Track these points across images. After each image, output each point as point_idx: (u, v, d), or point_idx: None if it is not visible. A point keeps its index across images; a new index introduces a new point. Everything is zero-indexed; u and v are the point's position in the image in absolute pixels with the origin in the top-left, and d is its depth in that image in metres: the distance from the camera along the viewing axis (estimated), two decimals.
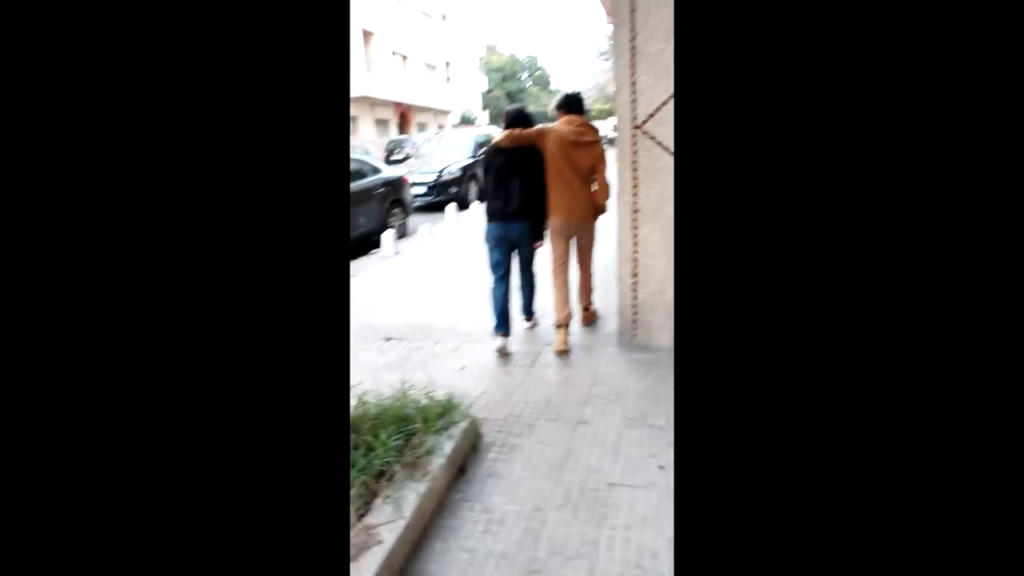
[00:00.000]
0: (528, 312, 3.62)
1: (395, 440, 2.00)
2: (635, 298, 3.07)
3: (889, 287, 0.69)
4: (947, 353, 0.66)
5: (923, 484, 0.66)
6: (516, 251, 3.32)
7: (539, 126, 3.29)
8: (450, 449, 2.07)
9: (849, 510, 0.68)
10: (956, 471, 0.65)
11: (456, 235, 7.25)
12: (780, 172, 0.72)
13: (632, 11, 2.73)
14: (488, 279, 3.40)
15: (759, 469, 0.72)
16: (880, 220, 0.69)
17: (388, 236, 6.26)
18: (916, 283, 0.68)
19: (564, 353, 3.21)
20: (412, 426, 2.12)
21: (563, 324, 3.24)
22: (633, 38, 2.75)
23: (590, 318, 3.65)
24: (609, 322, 3.64)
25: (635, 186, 2.92)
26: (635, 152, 2.87)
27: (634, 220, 2.96)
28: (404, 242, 6.93)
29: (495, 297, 3.32)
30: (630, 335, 3.14)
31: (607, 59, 52.01)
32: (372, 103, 21.68)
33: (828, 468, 0.69)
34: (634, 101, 2.82)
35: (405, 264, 5.76)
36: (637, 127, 2.84)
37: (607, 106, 28.98)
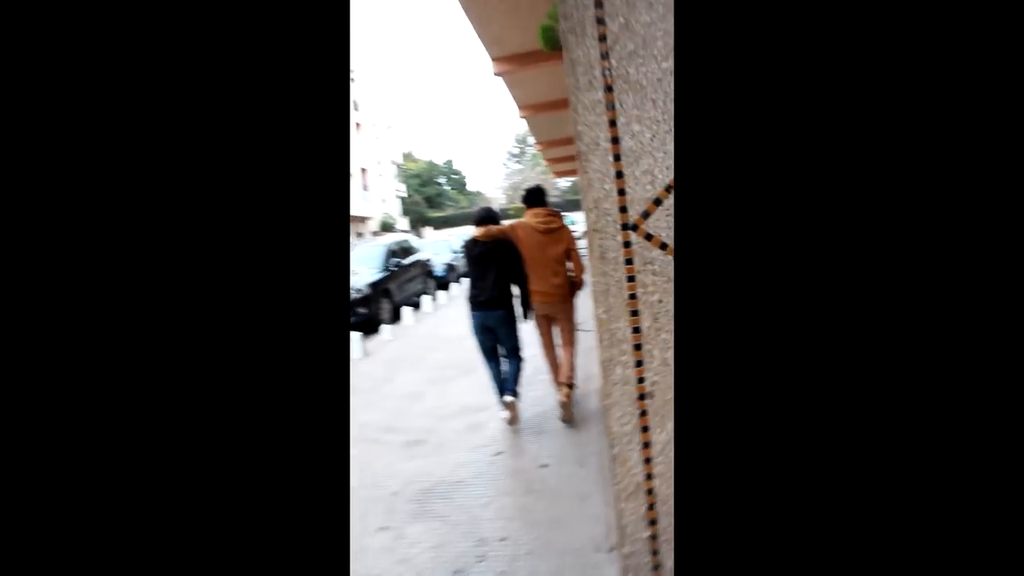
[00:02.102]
0: (512, 391, 3.77)
1: None
2: (653, 519, 1.47)
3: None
4: (950, 375, 0.67)
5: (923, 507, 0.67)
6: (496, 336, 3.68)
7: (508, 222, 3.77)
8: None
9: (844, 526, 0.70)
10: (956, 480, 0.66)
11: (364, 375, 5.48)
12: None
13: (597, 4, 1.35)
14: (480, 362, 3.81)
15: (759, 478, 0.74)
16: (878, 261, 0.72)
17: None
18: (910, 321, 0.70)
19: (567, 404, 3.56)
20: None
21: (564, 384, 3.60)
22: (605, 55, 1.36)
23: (569, 396, 3.73)
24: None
25: (638, 346, 1.41)
26: (634, 279, 1.39)
27: (643, 416, 1.43)
28: None
29: (490, 376, 3.78)
30: None
31: (517, 161, 54.04)
32: None
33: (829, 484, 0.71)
34: (620, 176, 1.38)
35: None
36: (633, 227, 1.38)
37: None
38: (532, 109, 9.54)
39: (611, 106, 1.37)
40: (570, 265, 3.68)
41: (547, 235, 3.55)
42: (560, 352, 3.79)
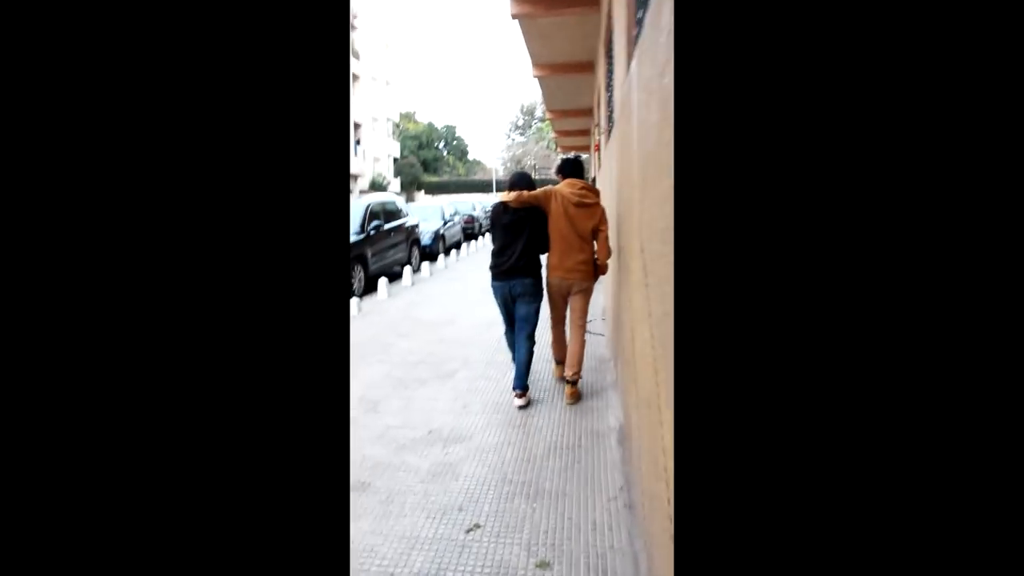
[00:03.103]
0: (521, 385, 3.47)
1: None
2: None
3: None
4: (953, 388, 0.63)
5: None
6: (515, 305, 3.48)
7: (543, 188, 3.40)
8: None
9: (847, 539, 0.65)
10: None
11: None
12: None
13: None
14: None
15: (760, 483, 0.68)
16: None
17: None
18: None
19: (575, 393, 3.45)
20: None
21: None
22: None
23: (575, 395, 3.51)
24: None
25: None
26: None
27: None
28: None
29: (508, 344, 3.72)
30: None
31: (521, 133, 52.44)
32: None
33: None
34: None
35: None
36: None
37: None
38: (549, 69, 8.39)
39: None
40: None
41: (580, 208, 3.30)
42: (569, 336, 3.57)
